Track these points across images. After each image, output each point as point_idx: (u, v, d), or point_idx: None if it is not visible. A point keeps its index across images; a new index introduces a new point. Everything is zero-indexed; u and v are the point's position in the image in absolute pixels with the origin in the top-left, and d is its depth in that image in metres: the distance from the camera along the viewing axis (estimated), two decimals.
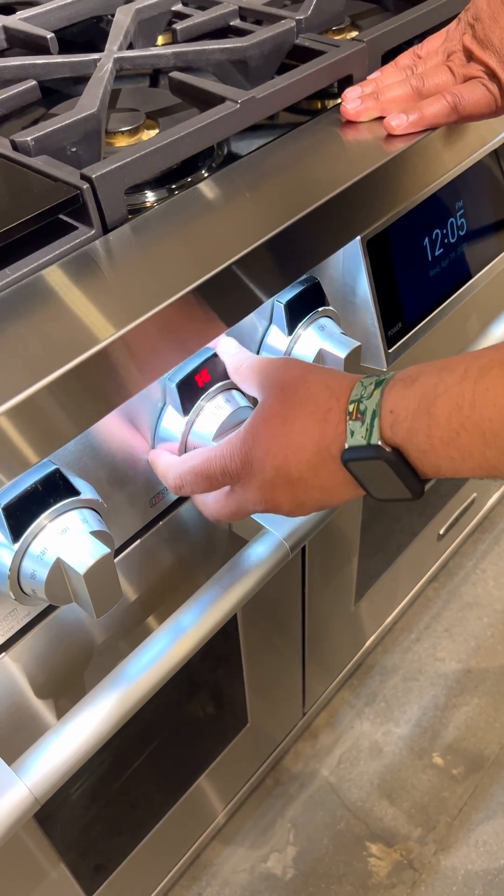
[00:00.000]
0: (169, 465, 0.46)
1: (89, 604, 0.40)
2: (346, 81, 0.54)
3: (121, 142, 0.53)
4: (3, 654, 0.46)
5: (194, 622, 0.50)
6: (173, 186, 0.49)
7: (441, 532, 1.05)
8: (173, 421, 0.46)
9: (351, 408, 0.38)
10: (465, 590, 1.22)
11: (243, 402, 0.47)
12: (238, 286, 0.42)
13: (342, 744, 1.07)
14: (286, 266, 0.45)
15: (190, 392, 0.45)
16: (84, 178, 0.42)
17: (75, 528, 0.40)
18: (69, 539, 0.39)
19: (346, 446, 0.38)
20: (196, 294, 0.40)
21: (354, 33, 0.65)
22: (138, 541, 0.51)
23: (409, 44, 0.58)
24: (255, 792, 1.01)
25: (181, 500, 0.53)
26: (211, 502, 0.46)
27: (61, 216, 0.42)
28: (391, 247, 0.54)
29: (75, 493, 0.41)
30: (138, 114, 0.54)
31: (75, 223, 0.43)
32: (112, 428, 0.44)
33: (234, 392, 0.47)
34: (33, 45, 0.57)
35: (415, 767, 1.04)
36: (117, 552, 0.50)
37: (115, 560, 0.50)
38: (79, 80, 0.56)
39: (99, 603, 0.41)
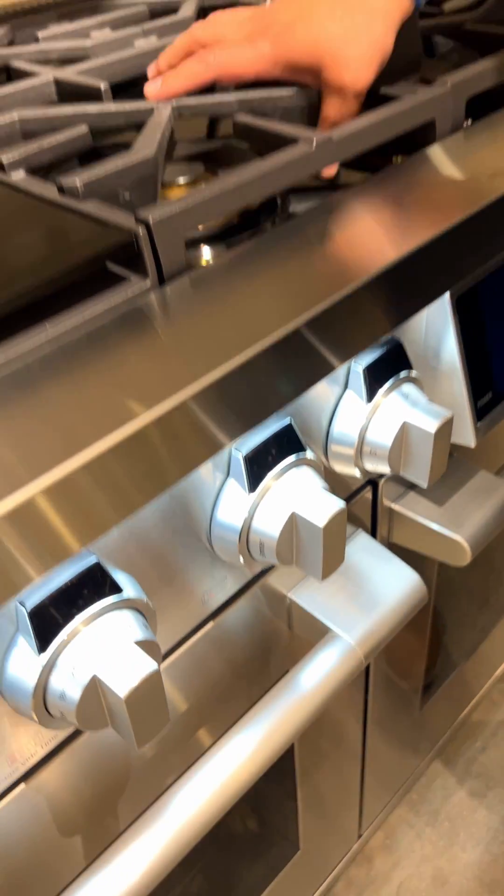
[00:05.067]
0: None
1: (130, 732, 0.32)
2: (429, 128, 0.48)
3: (177, 193, 0.48)
4: (21, 784, 0.38)
5: (250, 751, 0.41)
6: (233, 240, 0.43)
7: None
8: (235, 499, 0.39)
9: None
10: None
11: (324, 484, 0.40)
12: (310, 350, 0.36)
13: (401, 870, 0.94)
14: (365, 328, 0.38)
15: (259, 465, 0.38)
16: (140, 220, 0.36)
17: (116, 636, 0.32)
18: (108, 650, 0.32)
19: None
20: (264, 357, 0.33)
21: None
22: (187, 644, 0.43)
23: (493, 91, 0.53)
24: None
25: (236, 595, 0.45)
26: None
27: (111, 264, 0.37)
28: (482, 304, 0.47)
29: (117, 590, 0.33)
30: (197, 165, 0.49)
31: (127, 273, 0.37)
32: (160, 510, 0.37)
33: (313, 471, 0.40)
34: (86, 96, 0.53)
35: None
36: (162, 658, 0.42)
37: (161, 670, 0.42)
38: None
39: (141, 731, 0.32)
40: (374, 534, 0.56)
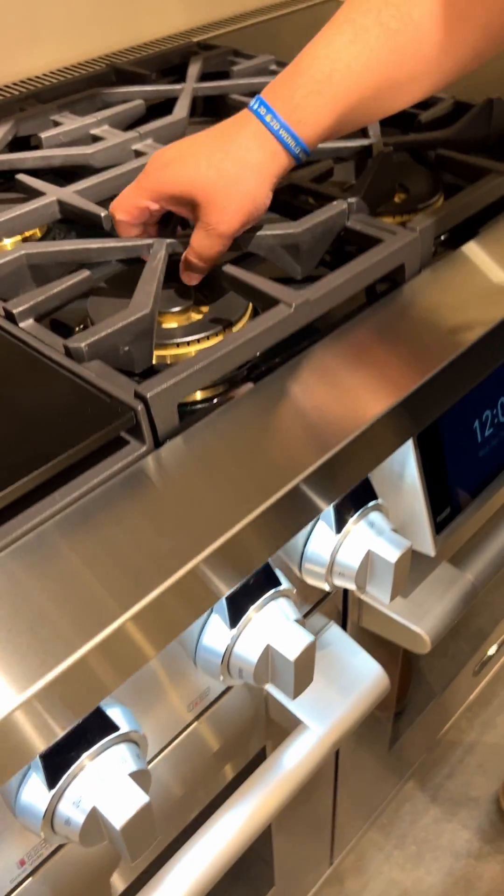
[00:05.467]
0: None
1: (125, 850, 0.38)
2: (399, 271, 0.53)
3: (170, 321, 0.53)
4: (30, 878, 0.43)
5: (232, 835, 0.47)
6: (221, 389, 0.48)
7: (477, 669, 1.01)
8: (218, 632, 0.44)
9: None
10: (501, 720, 1.17)
11: (296, 615, 0.45)
12: (299, 502, 0.41)
13: (370, 891, 1.01)
14: (344, 476, 0.44)
15: (239, 603, 0.43)
16: (138, 396, 0.41)
17: (113, 771, 0.38)
18: (107, 784, 0.37)
19: None
20: (260, 518, 0.39)
21: (404, 196, 0.65)
22: (171, 746, 0.49)
23: (458, 227, 0.58)
24: None
25: (218, 698, 0.51)
26: None
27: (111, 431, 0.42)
28: (441, 435, 0.53)
29: (114, 728, 0.39)
30: (187, 292, 0.54)
31: (126, 437, 0.42)
32: None
33: (287, 601, 0.45)
34: (86, 221, 0.58)
35: None
36: (149, 760, 0.48)
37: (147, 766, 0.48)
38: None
39: (134, 849, 0.38)
40: (345, 619, 0.62)
